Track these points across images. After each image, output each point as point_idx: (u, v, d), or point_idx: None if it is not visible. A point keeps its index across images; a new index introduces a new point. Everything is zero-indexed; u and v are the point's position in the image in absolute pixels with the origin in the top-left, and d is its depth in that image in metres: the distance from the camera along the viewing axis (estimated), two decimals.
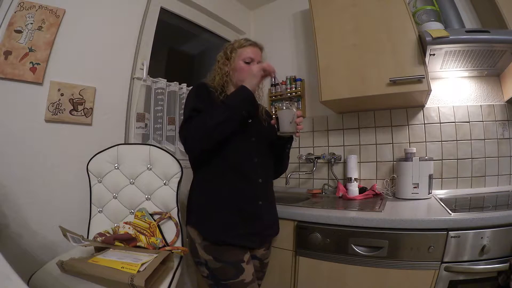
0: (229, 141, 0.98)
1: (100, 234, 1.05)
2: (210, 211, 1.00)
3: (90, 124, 1.31)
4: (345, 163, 1.74)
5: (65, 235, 0.94)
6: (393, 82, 1.31)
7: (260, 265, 1.11)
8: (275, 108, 1.02)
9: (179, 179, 1.18)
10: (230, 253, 0.96)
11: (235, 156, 1.00)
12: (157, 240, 1.07)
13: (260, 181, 1.04)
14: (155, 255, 0.93)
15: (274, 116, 1.03)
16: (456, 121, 1.56)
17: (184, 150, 1.04)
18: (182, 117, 1.04)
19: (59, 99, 1.21)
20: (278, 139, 1.08)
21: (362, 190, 1.61)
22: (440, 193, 1.52)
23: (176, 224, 1.14)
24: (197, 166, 1.07)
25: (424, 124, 1.61)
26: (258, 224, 1.03)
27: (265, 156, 1.09)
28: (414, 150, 1.48)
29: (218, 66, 1.10)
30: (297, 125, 0.99)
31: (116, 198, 1.21)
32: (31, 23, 1.16)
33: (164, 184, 1.18)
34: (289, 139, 1.10)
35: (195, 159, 1.08)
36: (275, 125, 1.00)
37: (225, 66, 1.08)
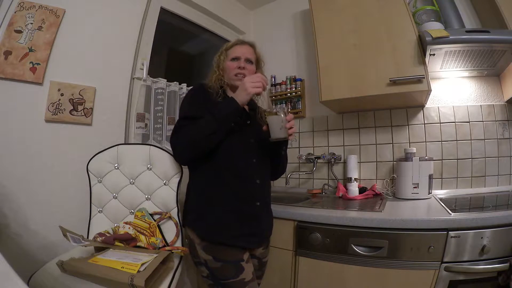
0: (228, 142, 0.98)
1: (100, 234, 1.05)
2: (208, 212, 1.00)
3: (90, 124, 1.31)
4: (345, 163, 1.74)
5: (65, 235, 0.94)
6: (393, 82, 1.31)
7: (259, 264, 1.11)
8: (265, 114, 1.03)
9: (179, 179, 1.18)
10: (229, 252, 0.96)
11: (234, 157, 1.00)
12: (157, 240, 1.06)
13: (258, 182, 1.04)
14: (155, 255, 0.93)
15: (265, 120, 1.03)
16: (456, 121, 1.56)
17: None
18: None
19: (59, 99, 1.21)
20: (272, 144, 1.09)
21: (362, 190, 1.61)
22: (440, 193, 1.52)
23: (176, 224, 1.14)
24: (195, 166, 1.07)
25: (424, 124, 1.61)
26: (256, 225, 1.03)
27: (264, 157, 1.10)
28: (414, 150, 1.48)
29: (213, 69, 1.13)
30: (289, 129, 0.99)
31: (116, 198, 1.21)
32: (31, 23, 1.16)
33: (164, 184, 1.18)
34: (284, 142, 1.10)
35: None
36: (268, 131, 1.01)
37: (218, 68, 1.11)
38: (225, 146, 0.98)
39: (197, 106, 1.00)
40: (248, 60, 1.09)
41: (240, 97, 0.95)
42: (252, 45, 1.13)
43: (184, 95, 1.72)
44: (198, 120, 0.95)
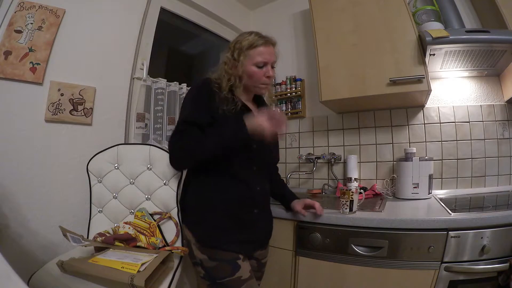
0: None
1: (100, 234, 1.05)
2: (204, 215, 0.99)
3: (90, 124, 1.31)
4: (345, 163, 1.74)
5: (65, 235, 0.94)
6: (393, 82, 1.31)
7: (258, 265, 1.10)
8: (346, 192, 1.17)
9: (179, 179, 1.17)
10: (225, 252, 0.95)
11: (235, 162, 0.98)
12: (157, 240, 1.06)
13: (258, 189, 1.03)
14: (155, 255, 0.93)
15: (349, 197, 1.14)
16: (456, 121, 1.56)
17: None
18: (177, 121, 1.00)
19: (59, 99, 1.21)
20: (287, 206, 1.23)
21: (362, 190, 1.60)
22: (440, 193, 1.52)
23: (176, 224, 1.14)
24: (195, 168, 1.04)
25: (424, 124, 1.61)
26: (252, 232, 1.01)
27: (264, 164, 1.08)
28: (414, 150, 1.48)
29: (224, 68, 0.99)
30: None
31: (116, 198, 1.20)
32: (31, 23, 1.16)
33: (164, 184, 1.18)
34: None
35: None
36: (348, 205, 1.14)
37: (233, 69, 0.98)
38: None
39: (200, 107, 0.94)
40: (273, 65, 1.01)
41: (254, 130, 0.89)
42: (274, 44, 1.01)
43: (184, 95, 1.71)
44: (199, 129, 0.90)
